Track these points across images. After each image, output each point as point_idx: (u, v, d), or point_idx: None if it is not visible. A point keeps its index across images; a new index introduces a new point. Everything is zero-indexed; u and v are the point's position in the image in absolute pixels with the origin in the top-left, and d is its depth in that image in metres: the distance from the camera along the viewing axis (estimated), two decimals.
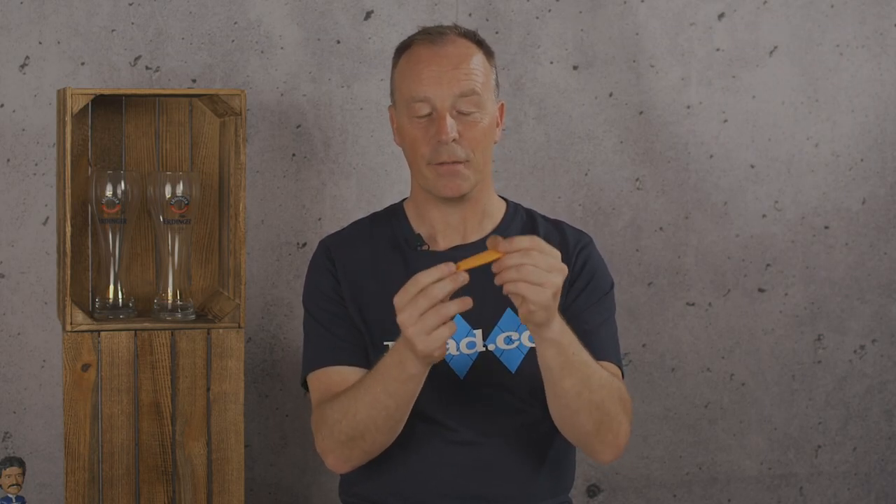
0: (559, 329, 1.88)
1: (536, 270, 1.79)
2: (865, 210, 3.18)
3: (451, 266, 1.79)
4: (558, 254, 1.82)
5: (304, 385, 2.16)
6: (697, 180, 3.08)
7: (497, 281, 1.81)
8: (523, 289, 1.79)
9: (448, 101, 2.05)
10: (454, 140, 2.05)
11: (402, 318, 1.80)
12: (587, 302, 2.11)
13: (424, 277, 1.79)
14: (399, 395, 1.93)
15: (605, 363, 2.07)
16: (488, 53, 2.13)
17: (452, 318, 1.80)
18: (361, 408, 1.96)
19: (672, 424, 3.13)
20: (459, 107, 2.05)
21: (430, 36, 2.10)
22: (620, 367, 2.12)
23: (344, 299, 2.13)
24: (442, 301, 1.78)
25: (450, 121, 2.04)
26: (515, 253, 1.79)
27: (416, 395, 1.96)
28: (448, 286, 1.78)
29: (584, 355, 1.94)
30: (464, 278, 1.80)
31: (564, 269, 1.82)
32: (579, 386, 1.93)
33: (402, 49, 2.13)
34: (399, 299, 1.81)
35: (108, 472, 2.47)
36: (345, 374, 2.07)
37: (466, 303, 1.80)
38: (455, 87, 2.05)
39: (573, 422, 1.99)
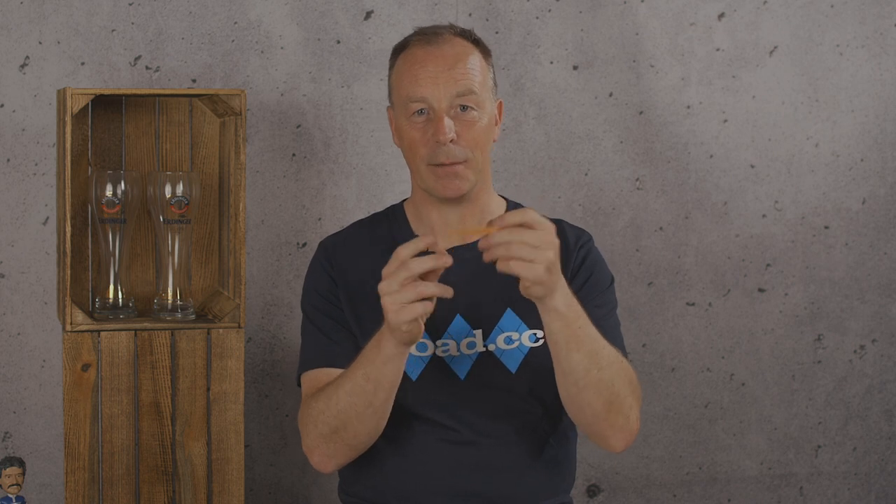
0: (564, 302, 1.89)
1: (525, 247, 1.80)
2: (865, 210, 3.18)
3: (430, 239, 1.83)
4: (551, 227, 1.83)
5: (300, 384, 2.17)
6: (697, 180, 3.08)
7: (486, 258, 1.83)
8: (514, 266, 1.81)
9: (445, 101, 2.05)
10: (452, 140, 2.05)
11: (382, 286, 1.84)
12: (588, 297, 2.11)
13: (404, 251, 1.83)
14: (378, 380, 1.94)
15: None
16: (485, 52, 2.13)
17: (431, 298, 1.84)
18: (343, 396, 1.97)
19: (672, 424, 3.13)
20: (457, 107, 2.06)
21: (425, 36, 2.10)
22: (626, 357, 2.12)
23: (340, 301, 2.14)
24: (423, 280, 1.83)
25: (447, 121, 2.05)
26: (504, 230, 1.81)
27: (397, 381, 1.96)
28: (429, 264, 1.82)
29: (592, 331, 1.93)
30: (446, 261, 1.83)
31: (556, 243, 1.83)
32: (587, 361, 1.93)
33: (399, 50, 2.14)
34: (385, 270, 1.85)
35: (108, 472, 2.47)
36: (335, 376, 2.07)
37: (447, 290, 1.84)
38: (452, 88, 2.05)
39: (581, 401, 1.97)
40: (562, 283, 1.88)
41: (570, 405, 2.01)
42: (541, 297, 1.87)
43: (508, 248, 1.80)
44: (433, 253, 1.85)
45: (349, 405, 1.97)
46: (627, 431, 2.02)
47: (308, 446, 2.05)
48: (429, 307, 1.84)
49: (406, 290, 1.82)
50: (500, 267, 1.82)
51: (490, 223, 1.83)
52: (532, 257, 1.81)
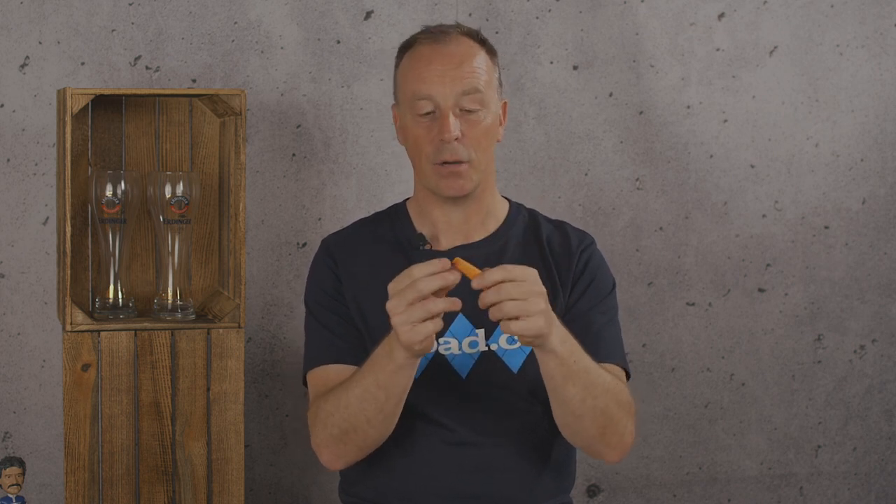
0: (558, 340, 1.90)
1: (515, 304, 1.81)
2: (865, 210, 3.18)
3: (445, 262, 1.82)
4: (532, 273, 1.84)
5: (305, 383, 2.17)
6: (697, 180, 3.08)
7: (491, 317, 1.84)
8: (513, 328, 1.82)
9: (451, 99, 2.05)
10: (457, 139, 2.05)
11: (390, 306, 1.84)
12: (590, 303, 2.11)
13: (418, 270, 1.82)
14: (389, 387, 1.94)
15: (609, 365, 2.07)
16: (491, 52, 2.13)
17: (440, 315, 1.83)
18: (353, 400, 1.97)
19: (672, 424, 3.13)
20: (462, 105, 2.06)
21: (433, 35, 2.10)
22: (626, 368, 2.12)
23: (345, 298, 2.13)
24: (431, 296, 1.81)
25: (453, 119, 2.05)
26: (490, 290, 1.81)
27: (407, 388, 1.96)
28: (437, 282, 1.82)
29: (586, 362, 1.95)
30: (455, 278, 1.82)
31: (542, 290, 1.84)
32: (583, 393, 1.94)
33: (405, 48, 2.14)
34: (392, 287, 1.84)
35: (108, 472, 2.47)
36: (343, 373, 2.07)
37: (455, 303, 1.83)
38: (458, 86, 2.05)
39: (577, 427, 2.00)
40: (556, 323, 1.89)
41: (566, 430, 2.03)
42: (540, 344, 1.88)
43: (501, 310, 1.82)
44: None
45: (359, 410, 1.97)
46: (622, 447, 2.04)
47: (317, 445, 2.05)
48: (439, 324, 1.84)
49: (414, 308, 1.82)
50: (503, 329, 1.83)
51: (474, 281, 1.83)
52: (525, 312, 1.82)
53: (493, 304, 1.82)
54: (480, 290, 2.10)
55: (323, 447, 2.04)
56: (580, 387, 1.94)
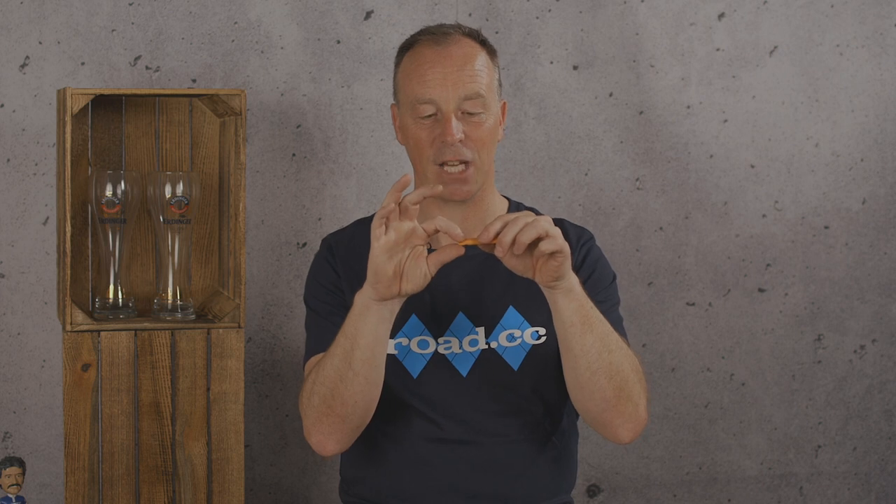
0: (576, 282, 1.93)
1: (542, 224, 1.85)
2: (865, 210, 3.18)
3: (407, 179, 1.88)
4: (526, 212, 1.91)
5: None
6: (697, 180, 3.08)
7: (513, 253, 1.87)
8: (552, 244, 1.85)
9: (453, 102, 2.05)
10: (460, 141, 2.05)
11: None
12: (590, 293, 2.11)
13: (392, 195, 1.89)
14: (353, 335, 1.94)
15: None
16: (492, 52, 2.13)
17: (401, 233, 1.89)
18: (327, 362, 1.99)
19: (672, 424, 3.13)
20: (464, 108, 2.06)
21: (434, 36, 2.10)
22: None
23: (343, 292, 2.14)
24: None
25: (455, 122, 2.05)
26: (508, 226, 1.85)
27: (374, 344, 1.96)
28: (422, 192, 1.88)
29: (599, 313, 1.97)
30: (435, 189, 1.90)
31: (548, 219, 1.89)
32: (599, 345, 1.95)
33: (406, 48, 2.14)
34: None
35: (108, 472, 2.47)
36: None
37: (405, 178, 1.88)
38: (460, 89, 2.05)
39: (593, 386, 1.98)
40: None
41: (581, 393, 2.01)
42: (565, 274, 1.89)
43: (535, 227, 1.84)
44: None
45: (332, 369, 1.98)
46: (636, 420, 2.02)
47: (307, 427, 2.05)
48: (389, 242, 1.87)
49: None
50: (544, 248, 1.84)
51: (478, 237, 1.88)
52: (552, 229, 1.85)
53: (528, 227, 1.84)
54: (479, 290, 2.10)
55: (311, 427, 2.03)
56: (597, 336, 1.94)
